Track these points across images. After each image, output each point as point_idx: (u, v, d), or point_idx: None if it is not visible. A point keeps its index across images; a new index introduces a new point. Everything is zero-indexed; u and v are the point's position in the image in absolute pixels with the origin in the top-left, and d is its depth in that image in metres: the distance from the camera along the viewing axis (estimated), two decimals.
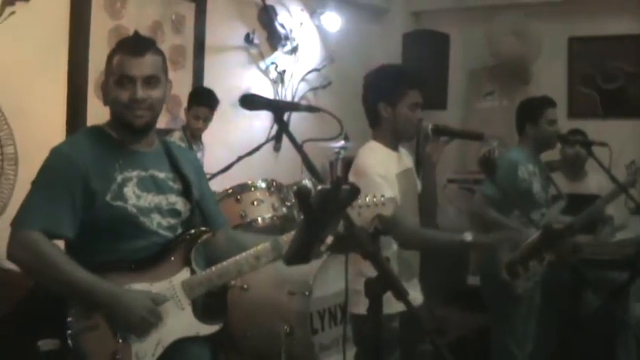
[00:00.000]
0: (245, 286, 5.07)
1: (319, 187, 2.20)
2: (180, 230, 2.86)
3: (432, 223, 3.91)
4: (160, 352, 2.70)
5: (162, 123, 6.05)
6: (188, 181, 2.90)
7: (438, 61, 7.87)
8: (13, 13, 4.74)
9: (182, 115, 6.04)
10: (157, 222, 2.78)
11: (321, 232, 2.34)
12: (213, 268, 2.79)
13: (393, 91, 3.66)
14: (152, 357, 2.68)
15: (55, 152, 2.74)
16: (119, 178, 2.71)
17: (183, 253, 2.80)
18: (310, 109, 2.72)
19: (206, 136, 6.05)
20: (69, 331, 2.60)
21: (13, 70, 4.93)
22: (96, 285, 2.61)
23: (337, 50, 7.71)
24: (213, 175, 5.10)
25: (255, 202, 5.07)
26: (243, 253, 2.79)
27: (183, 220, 2.88)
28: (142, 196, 2.75)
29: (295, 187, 5.27)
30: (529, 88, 7.87)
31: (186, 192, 2.89)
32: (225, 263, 2.78)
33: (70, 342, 2.60)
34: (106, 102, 2.82)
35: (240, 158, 4.86)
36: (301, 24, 7.44)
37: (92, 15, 5.49)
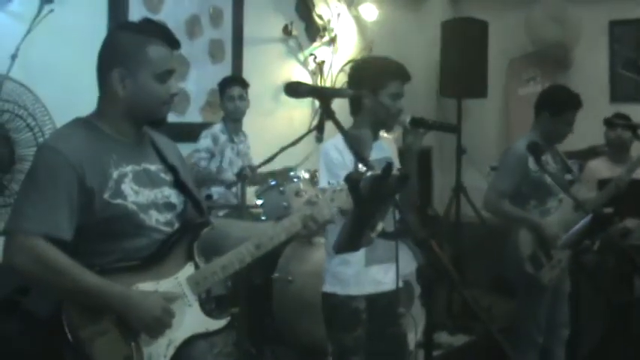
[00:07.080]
0: (290, 278, 5.06)
1: (369, 174, 2.18)
2: (177, 224, 2.74)
3: (412, 210, 3.92)
4: (171, 353, 2.60)
5: (201, 117, 6.13)
6: (177, 171, 2.79)
7: (478, 49, 7.76)
8: (51, 11, 4.77)
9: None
10: (155, 218, 2.66)
11: (371, 219, 2.33)
12: (216, 260, 2.67)
13: (375, 80, 3.70)
14: (164, 358, 2.58)
15: (46, 149, 2.58)
16: (115, 174, 2.58)
17: (185, 247, 2.69)
18: (356, 95, 2.69)
19: (247, 129, 6.04)
20: (74, 339, 2.46)
21: (56, 68, 4.95)
22: (106, 288, 2.49)
23: (375, 40, 7.62)
24: (257, 167, 5.11)
25: (298, 194, 5.05)
26: (245, 243, 2.66)
27: (178, 212, 2.77)
28: (140, 192, 2.62)
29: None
30: (571, 73, 7.82)
31: (177, 183, 2.78)
32: (228, 255, 2.65)
33: (77, 350, 2.46)
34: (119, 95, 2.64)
35: (282, 149, 4.85)
36: (339, 15, 7.38)
37: (129, 9, 5.51)
